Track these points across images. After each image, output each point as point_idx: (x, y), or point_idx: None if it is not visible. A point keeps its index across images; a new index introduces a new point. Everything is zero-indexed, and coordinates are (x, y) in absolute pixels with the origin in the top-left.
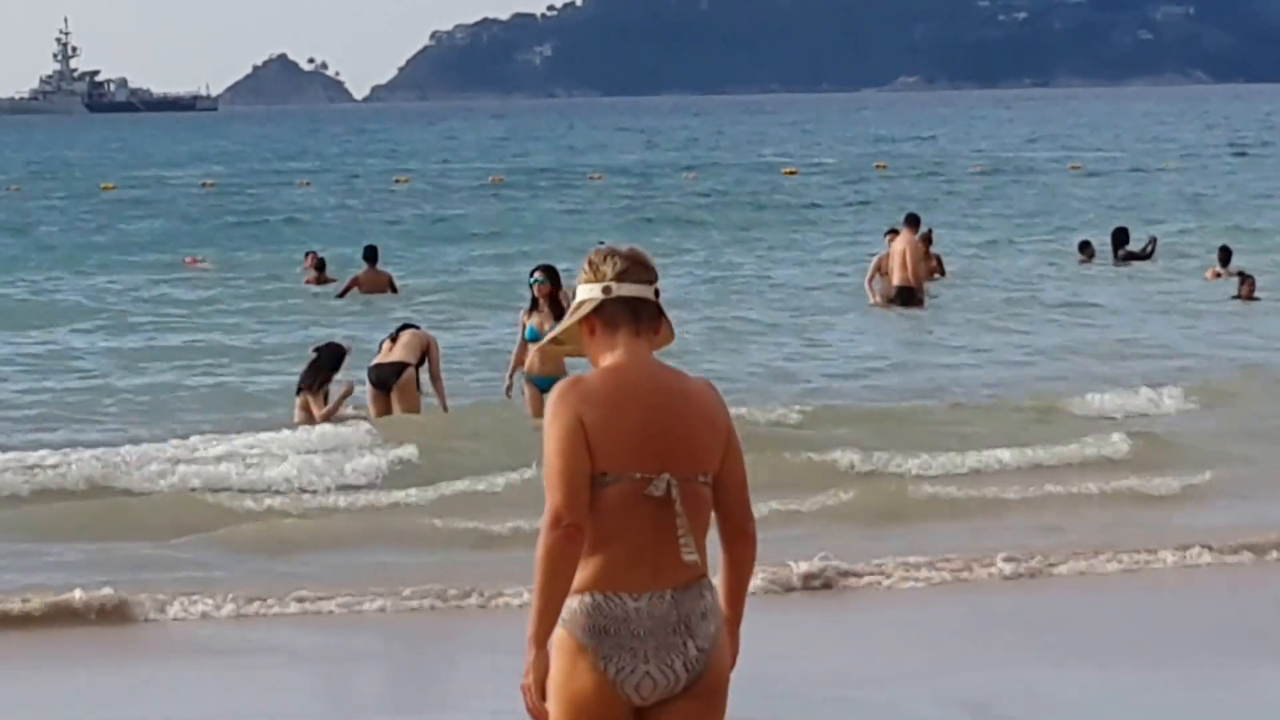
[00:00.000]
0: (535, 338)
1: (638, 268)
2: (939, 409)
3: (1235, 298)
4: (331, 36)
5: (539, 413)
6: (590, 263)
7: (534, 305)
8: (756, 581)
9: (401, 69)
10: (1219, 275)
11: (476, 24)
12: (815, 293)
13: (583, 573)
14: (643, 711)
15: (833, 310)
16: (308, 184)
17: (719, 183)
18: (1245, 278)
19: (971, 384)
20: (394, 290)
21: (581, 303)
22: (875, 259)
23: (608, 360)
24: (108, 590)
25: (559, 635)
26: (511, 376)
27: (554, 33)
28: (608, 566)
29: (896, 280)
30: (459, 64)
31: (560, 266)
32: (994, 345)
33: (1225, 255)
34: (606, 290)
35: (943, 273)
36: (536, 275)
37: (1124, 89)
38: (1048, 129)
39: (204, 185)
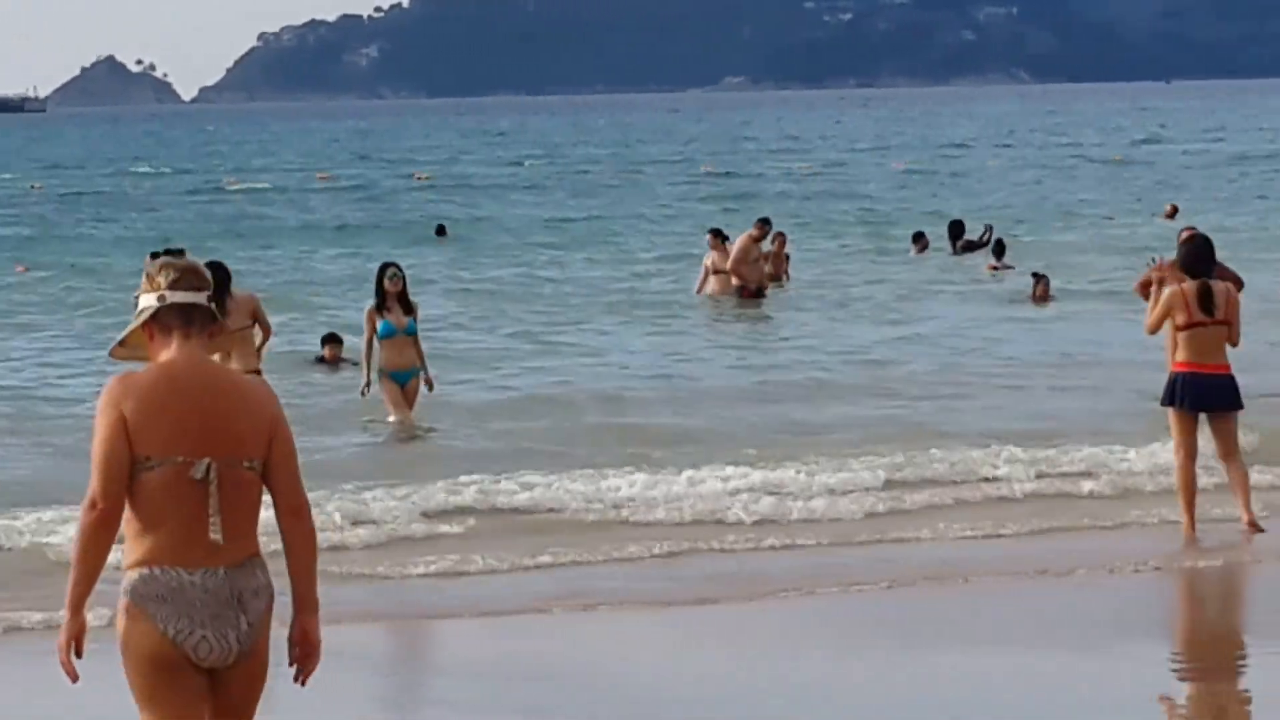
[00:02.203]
0: (391, 333)
1: (190, 276)
2: None
3: (1030, 298)
4: (160, 38)
5: (398, 406)
6: (148, 275)
7: (383, 301)
8: None
9: (230, 70)
10: (995, 269)
11: (304, 25)
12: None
13: (141, 549)
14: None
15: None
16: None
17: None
18: (1039, 278)
19: None
20: None
21: (141, 311)
22: (704, 261)
23: (163, 359)
24: None
25: (124, 604)
26: (370, 373)
27: (381, 34)
28: (162, 543)
29: (735, 281)
30: (287, 65)
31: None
32: None
33: (1000, 248)
34: (161, 298)
35: (787, 276)
36: (392, 270)
37: (948, 89)
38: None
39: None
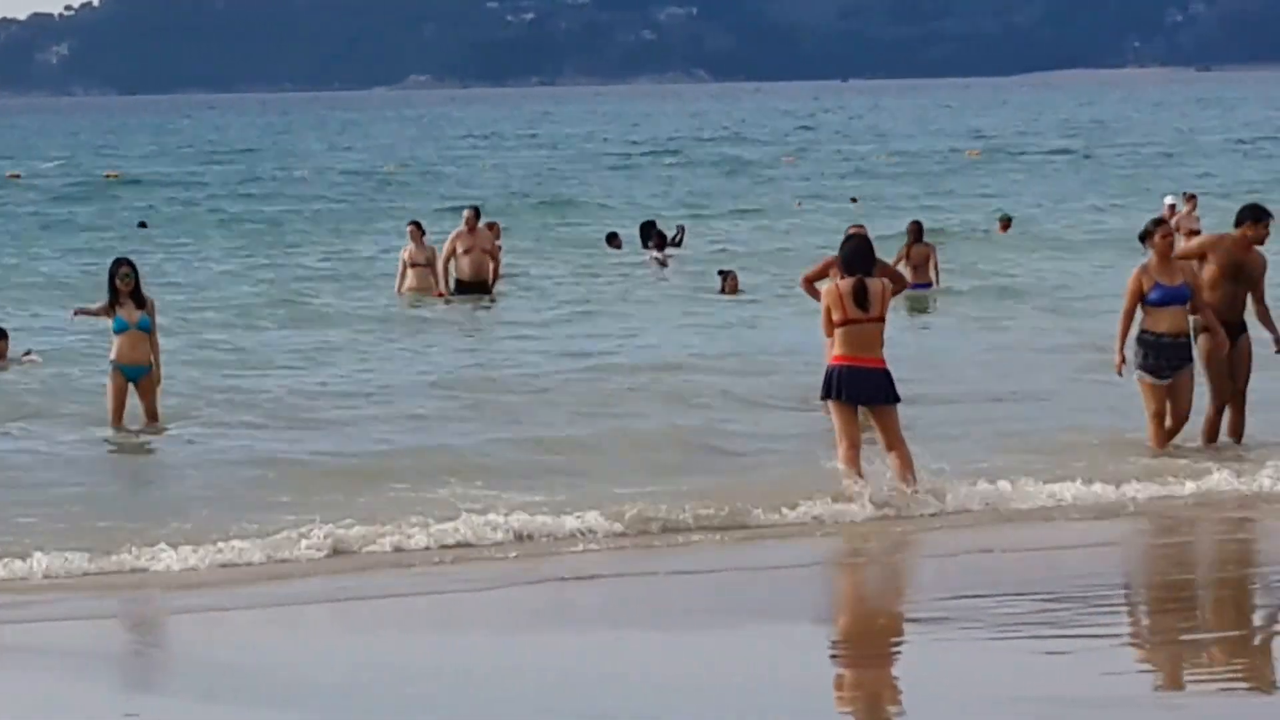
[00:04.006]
0: (124, 328)
1: None
2: None
3: (721, 292)
4: None
5: (119, 401)
6: None
7: (115, 298)
8: None
9: None
10: (659, 260)
11: None
12: None
13: None
14: None
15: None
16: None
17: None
18: (726, 274)
19: None
20: None
21: None
22: (401, 254)
23: None
24: None
25: None
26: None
27: (72, 32)
28: None
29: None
30: None
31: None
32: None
33: (661, 241)
34: None
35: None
36: (124, 271)
37: (628, 87)
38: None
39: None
